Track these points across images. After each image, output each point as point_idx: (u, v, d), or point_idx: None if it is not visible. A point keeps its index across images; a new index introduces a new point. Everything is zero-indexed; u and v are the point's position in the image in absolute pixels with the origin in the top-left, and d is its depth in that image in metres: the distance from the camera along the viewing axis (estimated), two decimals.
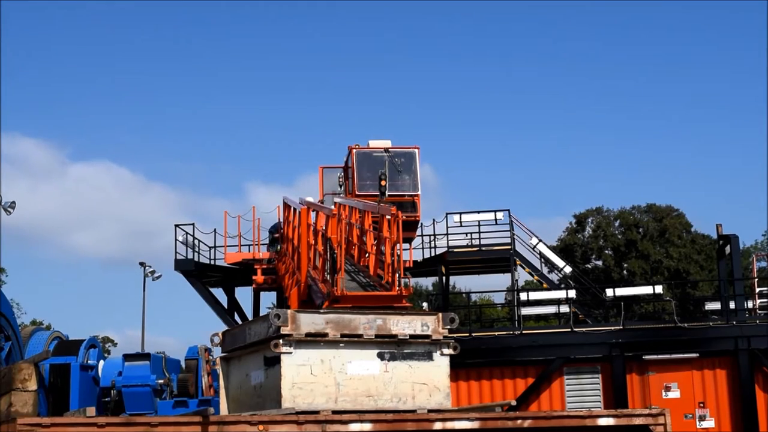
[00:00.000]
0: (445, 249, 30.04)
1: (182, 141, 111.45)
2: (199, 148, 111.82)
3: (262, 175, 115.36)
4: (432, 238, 30.83)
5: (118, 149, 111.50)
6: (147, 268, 49.96)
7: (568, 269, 31.49)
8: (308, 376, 11.29)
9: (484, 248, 30.04)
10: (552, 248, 34.27)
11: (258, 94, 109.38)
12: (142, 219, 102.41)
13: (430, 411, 11.46)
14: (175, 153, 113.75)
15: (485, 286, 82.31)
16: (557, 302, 27.71)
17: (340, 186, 29.34)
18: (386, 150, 28.80)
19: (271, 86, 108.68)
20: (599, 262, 58.94)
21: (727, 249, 27.78)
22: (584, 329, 24.81)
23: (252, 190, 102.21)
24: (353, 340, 11.55)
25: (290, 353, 11.26)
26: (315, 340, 11.38)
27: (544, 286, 29.89)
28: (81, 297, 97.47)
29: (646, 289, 30.60)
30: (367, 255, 20.10)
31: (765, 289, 30.83)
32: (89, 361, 22.39)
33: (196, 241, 29.54)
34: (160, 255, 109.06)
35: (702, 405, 23.44)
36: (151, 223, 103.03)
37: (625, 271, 57.12)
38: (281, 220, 27.33)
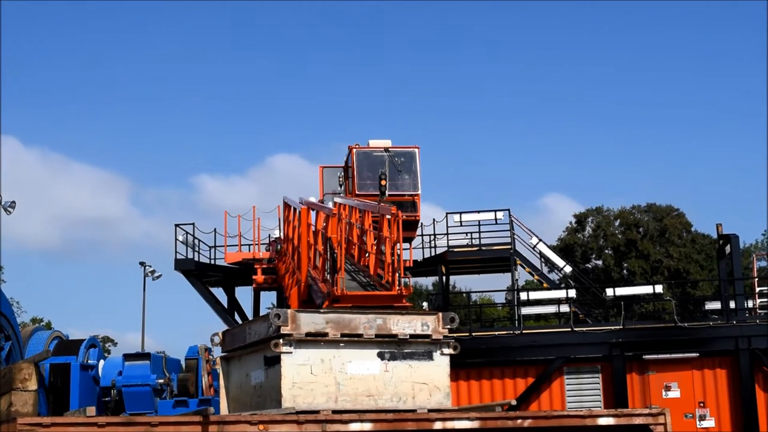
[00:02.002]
0: (445, 249, 30.04)
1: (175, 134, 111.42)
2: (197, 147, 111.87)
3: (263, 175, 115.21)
4: (432, 237, 30.84)
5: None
6: (147, 267, 49.96)
7: (568, 269, 31.48)
8: (308, 376, 11.29)
9: (484, 248, 30.05)
10: (552, 248, 34.27)
11: (256, 93, 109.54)
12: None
13: (430, 411, 11.45)
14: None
15: (485, 286, 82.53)
16: (557, 302, 27.71)
17: (340, 186, 29.35)
18: (386, 150, 28.80)
19: (271, 84, 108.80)
20: (599, 262, 58.95)
21: (727, 249, 27.77)
22: (584, 329, 24.81)
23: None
24: (353, 340, 11.54)
25: (290, 353, 11.26)
26: (315, 339, 11.38)
27: (545, 285, 29.88)
28: (81, 297, 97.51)
29: (646, 289, 30.58)
30: (367, 255, 20.10)
31: (765, 288, 30.82)
32: (89, 361, 22.39)
33: (196, 241, 29.56)
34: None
35: (702, 405, 23.44)
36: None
37: (625, 271, 57.12)
38: (281, 219, 27.35)
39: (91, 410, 11.62)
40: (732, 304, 25.39)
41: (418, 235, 30.26)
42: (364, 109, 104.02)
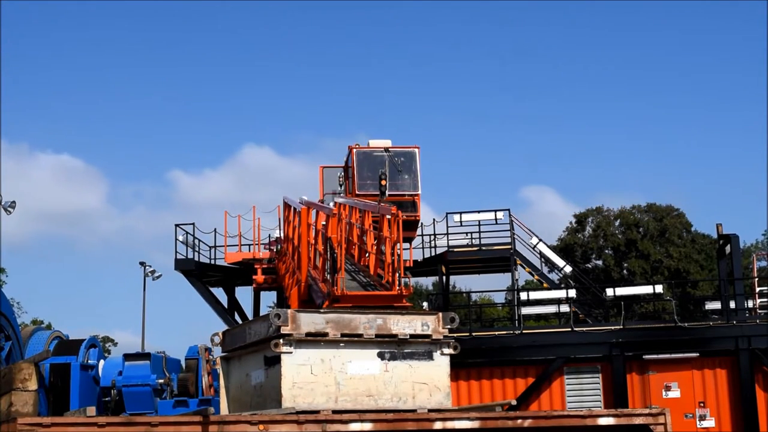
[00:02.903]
0: (446, 249, 30.03)
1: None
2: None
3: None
4: (432, 237, 30.83)
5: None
6: (147, 267, 49.98)
7: (568, 269, 31.47)
8: (308, 376, 11.29)
9: (484, 248, 30.03)
10: (552, 248, 34.25)
11: (253, 90, 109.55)
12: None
13: (430, 410, 11.46)
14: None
15: (485, 286, 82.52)
16: (557, 302, 27.70)
17: (341, 185, 29.33)
18: (386, 149, 28.79)
19: (269, 81, 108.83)
20: (599, 262, 58.92)
21: (728, 248, 27.75)
22: (584, 329, 24.81)
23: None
24: (353, 340, 11.55)
25: (290, 353, 11.27)
26: (315, 339, 11.38)
27: (545, 285, 29.87)
28: (81, 296, 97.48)
29: (646, 289, 30.57)
30: (367, 255, 20.09)
31: (765, 288, 30.82)
32: (89, 361, 22.39)
33: (196, 241, 29.56)
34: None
35: (702, 404, 23.44)
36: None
37: (625, 271, 57.10)
38: (281, 219, 27.35)
39: (91, 410, 11.62)
40: (732, 304, 25.37)
41: (418, 235, 30.25)
42: (364, 112, 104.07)
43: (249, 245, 29.36)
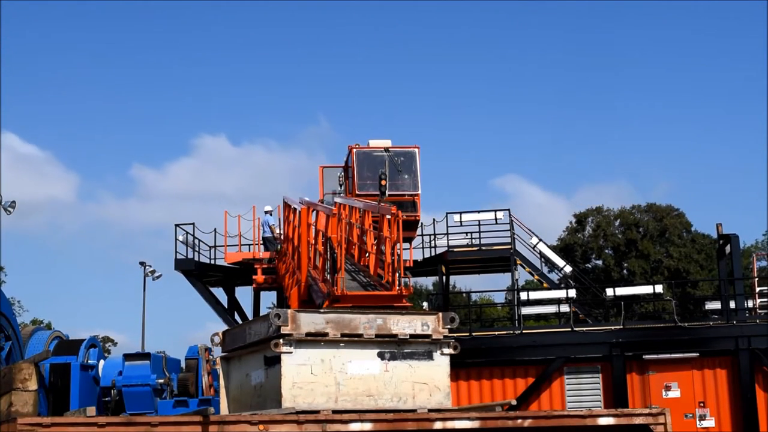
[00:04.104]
0: (446, 248, 30.03)
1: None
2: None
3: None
4: (432, 237, 30.83)
5: None
6: (147, 267, 49.97)
7: (568, 269, 31.46)
8: (308, 376, 11.29)
9: (484, 248, 30.03)
10: (552, 248, 34.25)
11: (252, 88, 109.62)
12: None
13: (430, 410, 11.46)
14: None
15: (485, 286, 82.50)
16: (557, 302, 27.70)
17: (341, 185, 29.33)
18: (386, 149, 28.78)
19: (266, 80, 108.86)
20: (599, 262, 58.95)
21: (728, 248, 27.75)
22: (584, 329, 24.80)
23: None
24: (353, 340, 11.55)
25: (290, 353, 11.26)
26: (315, 339, 11.38)
27: (545, 285, 29.87)
28: (81, 296, 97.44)
29: (646, 289, 30.57)
30: (367, 255, 20.09)
31: (765, 288, 30.79)
32: (89, 361, 22.40)
33: (197, 241, 29.56)
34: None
35: (702, 404, 23.43)
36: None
37: (625, 271, 57.11)
38: (281, 219, 27.34)
39: (91, 410, 11.65)
40: (732, 304, 25.37)
41: (418, 235, 30.26)
42: (365, 112, 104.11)
43: (249, 245, 29.38)
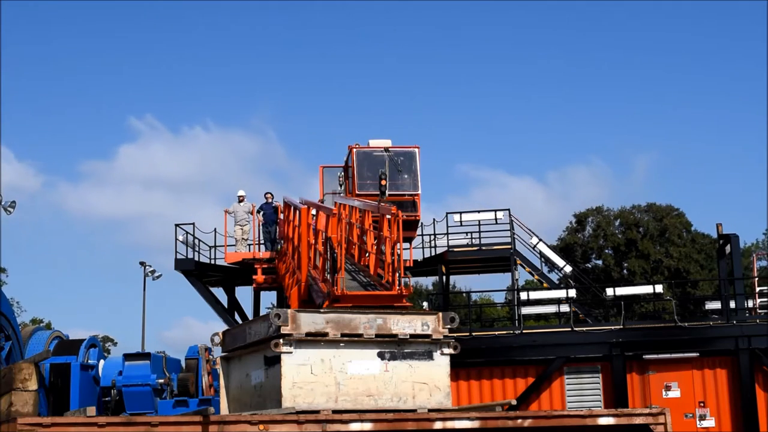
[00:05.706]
0: (446, 248, 30.01)
1: None
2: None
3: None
4: (432, 237, 30.81)
5: None
6: (147, 267, 49.96)
7: (568, 269, 31.44)
8: (308, 376, 11.29)
9: (484, 248, 30.01)
10: (552, 247, 34.23)
11: (251, 88, 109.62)
12: None
13: (430, 410, 11.47)
14: None
15: (485, 286, 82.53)
16: (557, 302, 27.69)
17: (341, 185, 29.32)
18: (386, 149, 28.77)
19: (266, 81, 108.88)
20: (599, 262, 58.93)
21: (728, 248, 27.73)
22: (584, 329, 24.80)
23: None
24: (353, 340, 11.55)
25: (290, 353, 11.27)
26: (315, 339, 11.38)
27: (545, 285, 29.85)
28: (81, 296, 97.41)
29: (646, 289, 30.55)
30: (367, 254, 20.08)
31: (765, 288, 30.77)
32: (89, 361, 22.40)
33: (196, 241, 29.54)
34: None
35: (702, 404, 23.43)
36: None
37: (625, 271, 57.10)
38: (280, 217, 27.31)
39: (91, 410, 11.65)
40: (732, 304, 25.36)
41: (418, 235, 30.23)
42: (364, 112, 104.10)
43: (249, 245, 29.36)
